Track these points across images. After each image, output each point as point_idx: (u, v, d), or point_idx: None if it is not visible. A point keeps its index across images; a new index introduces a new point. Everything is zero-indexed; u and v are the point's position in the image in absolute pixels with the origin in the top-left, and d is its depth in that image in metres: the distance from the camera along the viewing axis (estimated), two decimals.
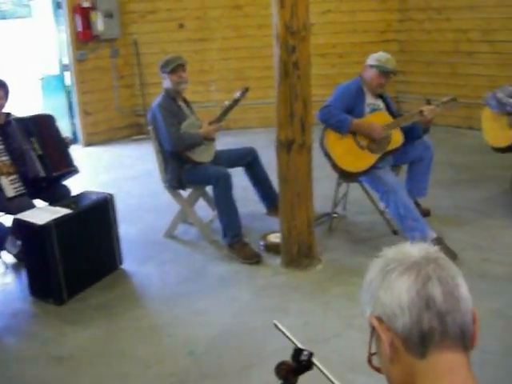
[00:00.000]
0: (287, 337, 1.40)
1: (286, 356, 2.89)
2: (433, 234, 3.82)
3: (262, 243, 4.14)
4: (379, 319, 1.05)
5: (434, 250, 1.07)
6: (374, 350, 1.09)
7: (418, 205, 4.37)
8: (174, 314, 3.39)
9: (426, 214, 4.40)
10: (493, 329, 3.05)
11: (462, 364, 1.00)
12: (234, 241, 4.02)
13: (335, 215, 4.49)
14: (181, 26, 7.63)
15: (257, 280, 3.74)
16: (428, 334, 0.99)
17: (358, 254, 3.99)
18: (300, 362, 1.31)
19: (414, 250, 1.07)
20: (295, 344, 1.36)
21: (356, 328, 3.11)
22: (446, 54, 7.42)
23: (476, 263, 3.77)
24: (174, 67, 4.21)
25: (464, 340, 1.01)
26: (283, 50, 3.53)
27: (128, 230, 4.39)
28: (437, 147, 4.41)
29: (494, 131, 4.71)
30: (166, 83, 4.28)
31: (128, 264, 4.00)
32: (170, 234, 4.45)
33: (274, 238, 4.11)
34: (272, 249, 4.06)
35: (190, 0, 7.61)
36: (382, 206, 4.30)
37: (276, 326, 1.44)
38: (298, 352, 1.32)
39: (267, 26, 7.34)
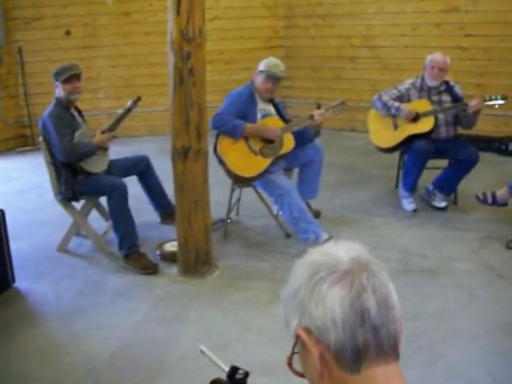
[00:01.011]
0: (214, 362, 1.37)
1: (189, 365, 2.93)
2: (325, 235, 3.98)
3: (158, 252, 4.12)
4: (308, 331, 0.98)
5: (362, 251, 1.02)
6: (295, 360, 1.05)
7: (309, 207, 4.54)
8: (72, 331, 3.30)
9: (316, 215, 4.58)
10: None
11: (395, 375, 0.97)
12: (131, 251, 3.97)
13: (229, 221, 4.56)
14: (67, 33, 7.41)
15: (155, 290, 3.73)
16: (363, 349, 0.94)
17: (254, 258, 4.09)
18: (233, 381, 1.29)
19: (342, 252, 1.01)
20: (222, 368, 1.33)
21: (254, 331, 3.20)
22: (330, 60, 7.74)
23: None
24: (69, 77, 4.05)
25: (396, 350, 0.98)
26: (178, 57, 3.52)
27: (19, 246, 4.21)
28: (323, 150, 4.59)
29: (379, 132, 4.96)
30: (58, 92, 4.11)
31: (21, 282, 3.84)
32: (64, 248, 4.33)
33: (170, 246, 4.12)
34: (168, 258, 4.05)
35: (76, 6, 7.40)
36: (275, 209, 4.43)
37: (202, 351, 1.41)
38: (233, 370, 1.30)
39: (155, 33, 7.38)
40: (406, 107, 4.72)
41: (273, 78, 4.23)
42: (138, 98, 4.41)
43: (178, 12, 3.45)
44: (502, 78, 6.63)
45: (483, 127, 6.55)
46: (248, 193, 4.57)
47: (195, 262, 3.85)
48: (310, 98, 6.62)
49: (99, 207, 4.56)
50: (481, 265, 3.92)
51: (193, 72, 3.54)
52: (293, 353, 1.03)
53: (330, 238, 3.97)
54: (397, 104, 4.75)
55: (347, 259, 0.99)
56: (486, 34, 6.62)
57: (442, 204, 4.81)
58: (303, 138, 4.33)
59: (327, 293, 0.96)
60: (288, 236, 4.34)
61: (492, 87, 6.44)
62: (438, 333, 3.14)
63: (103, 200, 4.26)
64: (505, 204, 4.35)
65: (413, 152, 4.68)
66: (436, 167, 4.93)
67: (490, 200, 4.36)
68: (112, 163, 4.34)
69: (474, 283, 3.68)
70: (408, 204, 4.84)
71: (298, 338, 0.99)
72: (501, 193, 4.34)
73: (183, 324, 3.30)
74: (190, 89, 3.56)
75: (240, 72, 7.44)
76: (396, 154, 5.15)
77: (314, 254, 1.03)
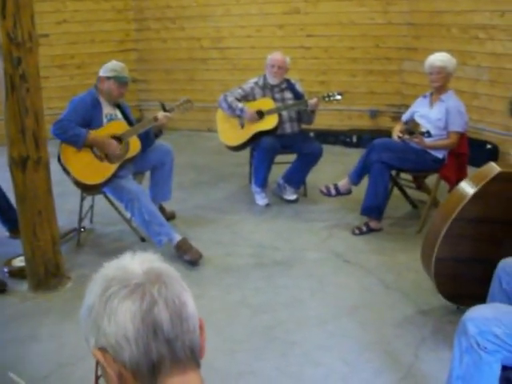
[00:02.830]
0: None
1: None
2: (178, 237, 3.97)
3: (6, 269, 3.88)
4: (104, 350, 0.96)
5: (157, 262, 1.03)
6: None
7: (163, 209, 4.52)
8: None
9: (171, 217, 4.58)
10: (239, 318, 3.29)
11: (193, 383, 0.99)
12: None
13: (82, 229, 4.42)
14: None
15: (5, 310, 3.49)
16: (157, 363, 0.95)
17: None
18: None
19: (135, 264, 1.01)
20: None
21: None
22: (183, 62, 7.76)
23: (221, 259, 4.03)
24: None
25: (195, 358, 1.00)
26: (8, 63, 3.32)
27: None
28: (180, 151, 4.60)
29: (227, 131, 5.04)
30: None
31: None
32: None
33: (19, 261, 3.89)
34: (17, 274, 3.83)
35: None
36: (128, 214, 4.35)
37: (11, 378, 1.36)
38: None
39: None
40: (250, 109, 4.83)
41: (124, 83, 4.16)
42: None
43: (3, 15, 3.26)
44: (343, 75, 7.05)
45: (330, 122, 6.93)
46: (101, 199, 4.45)
47: (45, 275, 3.68)
48: (166, 101, 6.60)
49: None
50: (329, 252, 4.12)
51: (25, 78, 3.37)
52: (96, 378, 1.01)
53: (184, 239, 3.98)
54: (241, 105, 4.86)
55: (140, 272, 0.99)
56: (325, 35, 7.00)
57: (293, 197, 5.02)
58: (147, 140, 4.29)
59: (118, 308, 0.95)
60: (143, 240, 4.28)
61: (334, 84, 6.82)
62: (291, 322, 3.24)
63: None
64: (349, 192, 4.60)
65: (260, 149, 4.82)
66: (285, 162, 5.11)
67: (333, 192, 4.59)
68: None
69: (324, 271, 3.86)
70: (261, 199, 4.98)
71: (97, 360, 0.98)
72: (342, 183, 4.58)
73: (35, 342, 3.13)
74: (24, 95, 3.38)
75: (92, 76, 7.02)
76: (248, 152, 5.27)
77: (109, 268, 1.02)
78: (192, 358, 0.99)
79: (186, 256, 3.91)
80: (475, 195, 2.96)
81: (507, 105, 3.16)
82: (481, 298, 2.63)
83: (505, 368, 2.59)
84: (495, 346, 2.09)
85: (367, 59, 6.94)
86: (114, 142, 4.05)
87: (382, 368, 2.82)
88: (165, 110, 4.33)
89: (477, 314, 2.16)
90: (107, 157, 4.06)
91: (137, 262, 1.01)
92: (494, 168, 3.01)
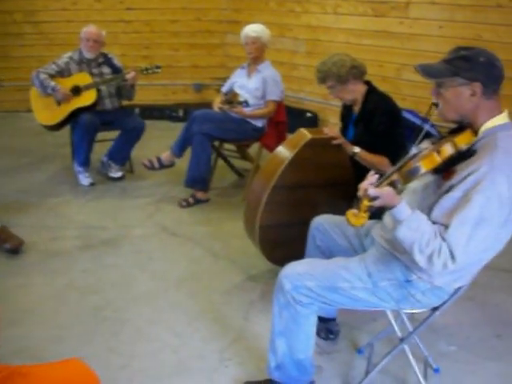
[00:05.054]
0: None
1: None
2: None
3: None
4: None
5: None
6: None
7: None
8: None
9: None
10: (67, 303, 3.17)
11: None
12: None
13: None
14: None
15: None
16: None
17: None
18: None
19: None
20: None
21: None
22: None
23: (47, 244, 3.83)
24: None
25: None
26: None
27: None
28: None
29: (43, 110, 4.77)
30: None
31: None
32: None
33: None
34: None
35: None
36: None
37: None
38: None
39: None
40: (62, 88, 4.60)
41: None
42: None
43: None
44: (166, 49, 7.01)
45: (154, 97, 6.88)
46: None
47: None
48: None
49: None
50: (156, 227, 4.12)
51: None
52: None
53: (3, 227, 3.74)
54: (53, 84, 4.59)
55: None
56: (146, 8, 6.89)
57: (118, 174, 4.93)
58: None
59: None
60: None
61: (158, 58, 6.74)
62: (121, 300, 3.19)
63: None
64: (172, 165, 4.62)
65: (79, 126, 4.63)
66: (108, 139, 4.99)
67: (156, 165, 4.58)
68: None
69: (152, 246, 3.84)
70: (84, 179, 4.82)
71: None
72: (165, 156, 4.59)
73: None
74: None
75: None
76: (68, 130, 5.04)
77: None
78: None
79: (6, 245, 3.68)
80: (290, 163, 3.07)
81: (315, 73, 3.33)
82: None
83: (326, 320, 2.78)
84: (309, 299, 2.20)
85: (189, 33, 6.95)
86: None
87: (212, 335, 2.88)
88: None
89: (291, 271, 2.26)
90: None
91: None
92: (305, 135, 3.15)
